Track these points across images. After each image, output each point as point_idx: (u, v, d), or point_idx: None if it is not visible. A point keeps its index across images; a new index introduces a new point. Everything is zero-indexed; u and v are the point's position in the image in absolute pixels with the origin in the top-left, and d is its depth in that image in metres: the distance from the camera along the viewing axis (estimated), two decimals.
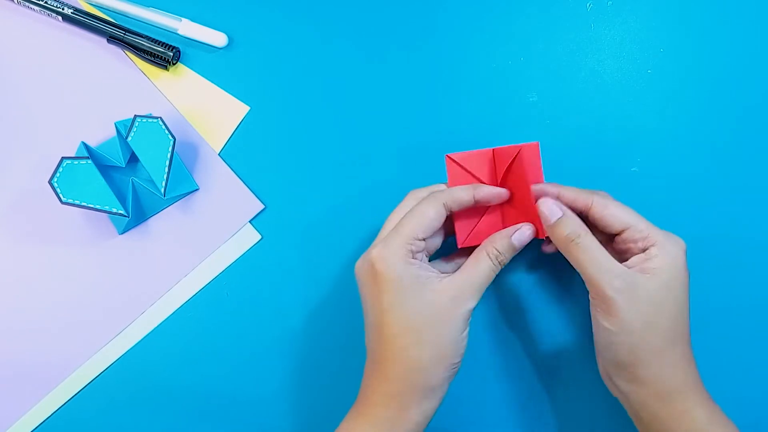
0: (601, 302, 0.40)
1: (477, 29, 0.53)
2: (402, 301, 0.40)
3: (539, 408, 0.49)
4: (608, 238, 0.43)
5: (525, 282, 0.50)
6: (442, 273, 0.42)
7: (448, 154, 0.44)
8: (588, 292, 0.41)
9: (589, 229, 0.41)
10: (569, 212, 0.42)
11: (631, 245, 0.41)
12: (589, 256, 0.40)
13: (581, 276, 0.41)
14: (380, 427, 0.41)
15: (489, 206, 0.45)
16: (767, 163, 0.51)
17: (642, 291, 0.39)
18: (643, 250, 0.41)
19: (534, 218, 0.43)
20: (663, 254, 0.40)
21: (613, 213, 0.41)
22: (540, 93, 0.52)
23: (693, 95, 0.52)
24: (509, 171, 0.44)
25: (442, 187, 0.45)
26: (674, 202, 0.51)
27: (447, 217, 0.43)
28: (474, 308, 0.41)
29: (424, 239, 0.42)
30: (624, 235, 0.41)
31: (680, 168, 0.51)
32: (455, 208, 0.43)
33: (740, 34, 0.52)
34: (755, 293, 0.50)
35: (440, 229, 0.44)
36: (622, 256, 0.42)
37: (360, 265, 0.43)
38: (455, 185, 0.44)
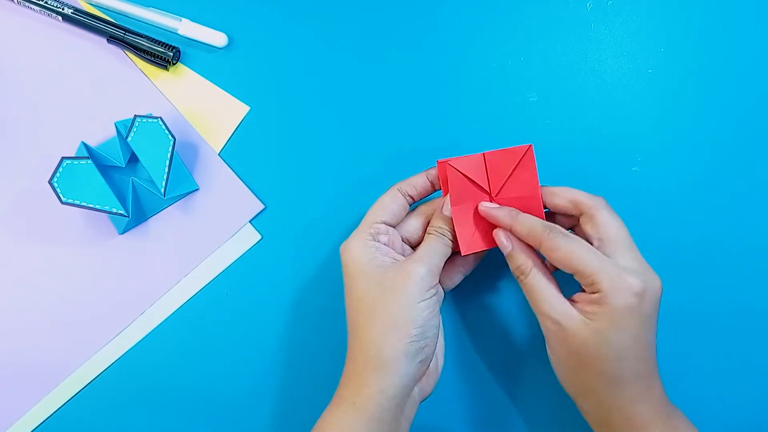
0: (542, 330, 0.42)
1: (477, 29, 0.53)
2: (360, 281, 0.43)
3: (543, 412, 0.49)
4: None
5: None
6: None
7: (440, 160, 0.45)
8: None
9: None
10: (518, 246, 0.43)
11: (582, 283, 0.41)
12: (532, 294, 0.42)
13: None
14: (345, 408, 0.41)
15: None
16: (767, 163, 0.51)
17: (571, 335, 0.40)
18: (592, 293, 0.40)
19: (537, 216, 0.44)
20: (603, 303, 0.39)
21: (561, 258, 0.40)
22: (540, 93, 0.52)
23: (693, 95, 0.52)
24: (504, 173, 0.44)
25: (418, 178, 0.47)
26: (674, 202, 0.51)
27: (411, 200, 0.46)
28: (428, 278, 0.41)
29: (384, 222, 0.44)
30: (575, 276, 0.41)
31: (680, 168, 0.51)
32: (412, 192, 0.45)
33: (740, 34, 0.52)
34: (756, 293, 0.50)
35: (410, 217, 0.46)
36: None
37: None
38: (447, 190, 0.44)
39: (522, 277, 0.42)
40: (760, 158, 0.51)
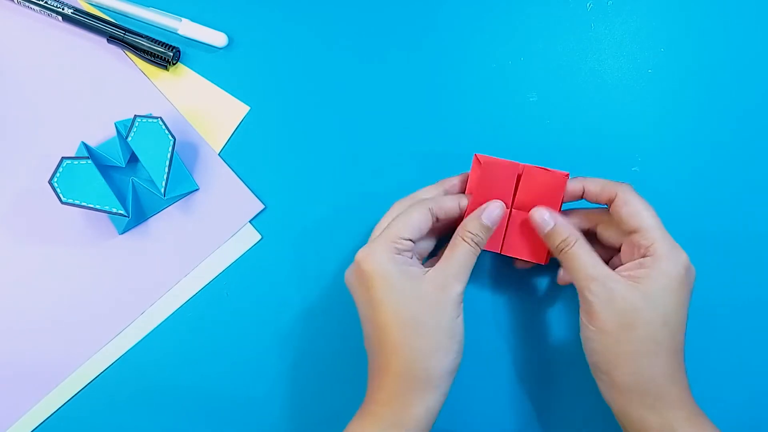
0: (583, 304, 0.41)
1: (477, 29, 0.53)
2: (391, 295, 0.41)
3: (547, 412, 0.49)
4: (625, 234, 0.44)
5: (537, 290, 0.50)
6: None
7: (477, 154, 0.45)
8: None
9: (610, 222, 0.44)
10: (561, 221, 0.43)
11: (634, 249, 0.42)
12: (575, 263, 0.42)
13: (573, 283, 0.42)
14: (384, 425, 0.40)
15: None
16: (767, 163, 0.51)
17: (619, 297, 0.40)
18: (642, 257, 0.41)
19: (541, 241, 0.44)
20: (654, 266, 0.40)
21: (629, 212, 0.42)
22: (540, 93, 0.52)
23: (693, 95, 0.52)
24: (529, 190, 0.44)
25: (425, 193, 0.46)
26: (674, 202, 0.51)
27: (436, 222, 0.44)
28: (463, 292, 0.41)
29: (410, 239, 0.42)
30: (632, 238, 0.42)
31: (680, 168, 0.51)
32: (441, 215, 0.44)
33: (740, 34, 0.52)
34: (756, 292, 0.50)
35: (430, 233, 0.45)
36: (631, 254, 0.43)
37: (348, 272, 0.44)
38: (473, 186, 0.45)
39: (567, 249, 0.42)
40: (761, 158, 0.51)
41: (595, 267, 0.41)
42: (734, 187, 0.51)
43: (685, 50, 0.52)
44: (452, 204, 0.44)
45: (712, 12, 0.53)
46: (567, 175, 0.44)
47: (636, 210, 0.42)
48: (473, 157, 0.45)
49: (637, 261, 0.41)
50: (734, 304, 0.49)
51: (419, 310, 0.41)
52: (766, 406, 0.49)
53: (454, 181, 0.46)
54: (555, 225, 0.43)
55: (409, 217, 0.43)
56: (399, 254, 0.42)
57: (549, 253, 0.45)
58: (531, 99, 0.52)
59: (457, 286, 0.41)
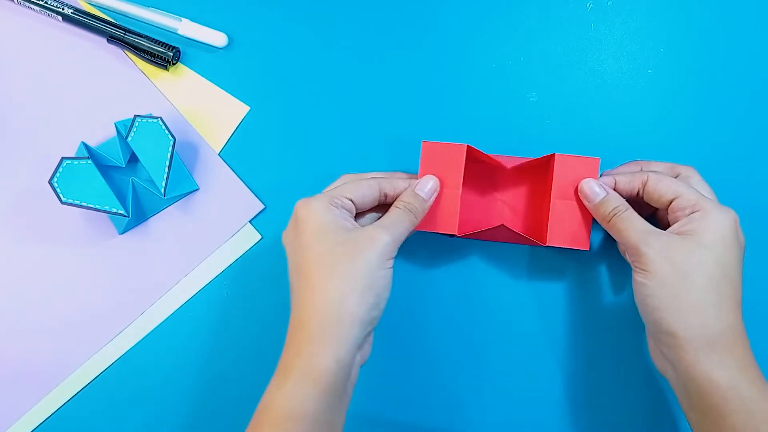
0: (638, 261, 0.41)
1: (477, 29, 0.53)
2: (319, 239, 0.42)
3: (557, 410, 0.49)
4: (661, 214, 0.45)
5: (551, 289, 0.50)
6: None
7: (425, 141, 0.46)
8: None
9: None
10: (612, 191, 0.45)
11: (680, 213, 0.42)
12: (629, 224, 0.42)
13: (624, 247, 0.43)
14: (297, 379, 0.39)
15: (488, 203, 0.47)
16: (767, 163, 0.51)
17: (676, 248, 0.40)
18: (691, 214, 0.42)
19: (541, 224, 0.46)
20: (704, 218, 0.41)
21: (667, 184, 0.43)
22: (540, 93, 0.52)
23: (693, 95, 0.52)
24: (565, 177, 0.45)
25: (375, 174, 0.47)
26: None
27: (384, 199, 0.46)
28: (392, 248, 0.42)
29: (351, 200, 0.44)
30: (674, 204, 0.43)
31: None
32: (390, 191, 0.45)
33: (740, 34, 0.52)
34: (757, 292, 0.50)
35: (377, 209, 0.46)
36: (677, 219, 0.43)
37: (285, 231, 0.44)
38: (426, 172, 0.46)
39: (617, 216, 0.43)
40: (761, 158, 0.51)
41: (647, 224, 0.42)
42: (734, 187, 0.51)
43: (685, 50, 0.52)
44: (404, 184, 0.46)
45: (712, 12, 0.53)
46: (598, 160, 0.45)
47: (671, 182, 0.43)
48: (421, 144, 0.46)
49: (686, 218, 0.42)
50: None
51: (341, 253, 0.41)
52: None
53: (403, 176, 0.48)
54: (608, 194, 0.44)
55: (357, 183, 0.45)
56: (336, 208, 0.43)
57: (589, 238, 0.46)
58: (531, 99, 0.52)
59: (385, 237, 0.42)
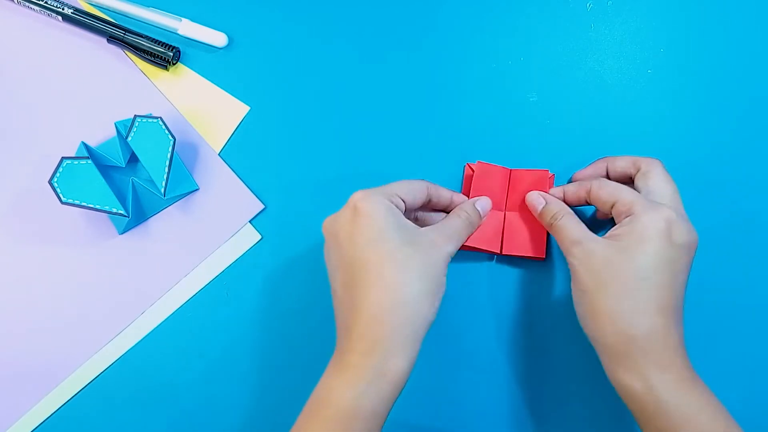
0: (570, 271, 0.43)
1: (477, 29, 0.53)
2: (388, 234, 0.40)
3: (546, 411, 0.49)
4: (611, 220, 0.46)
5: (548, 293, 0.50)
6: None
7: (468, 163, 0.50)
8: None
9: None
10: (552, 199, 0.46)
11: (619, 218, 0.43)
12: (563, 232, 0.44)
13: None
14: (368, 377, 0.38)
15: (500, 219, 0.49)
16: (767, 163, 0.51)
17: (597, 255, 0.41)
18: (627, 215, 0.42)
19: (538, 237, 0.48)
20: (632, 222, 0.41)
21: (608, 190, 0.44)
22: (540, 93, 0.52)
23: (693, 95, 0.52)
24: (518, 191, 0.48)
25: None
26: None
27: (428, 202, 0.46)
28: (451, 256, 0.42)
29: (404, 200, 0.43)
30: (614, 210, 0.43)
31: (680, 168, 0.51)
32: (434, 198, 0.46)
33: (740, 34, 0.52)
34: (756, 292, 0.50)
35: (421, 209, 0.47)
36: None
37: (332, 219, 0.43)
38: (467, 191, 0.48)
39: (555, 222, 0.44)
40: (761, 158, 0.51)
41: (578, 232, 0.43)
42: (734, 187, 0.51)
43: (685, 50, 0.52)
44: (447, 194, 0.47)
45: (712, 12, 0.53)
46: (547, 172, 0.48)
47: (610, 188, 0.44)
48: (465, 166, 0.49)
49: (619, 223, 0.42)
50: (735, 303, 0.49)
51: (413, 253, 0.40)
52: (766, 406, 0.49)
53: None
54: (547, 203, 0.46)
55: (410, 183, 0.44)
56: (395, 206, 0.42)
57: (546, 247, 0.48)
58: (531, 99, 0.52)
59: (449, 246, 0.42)
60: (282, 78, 0.53)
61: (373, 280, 0.39)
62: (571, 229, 0.43)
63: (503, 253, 0.48)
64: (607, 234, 0.42)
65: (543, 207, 0.46)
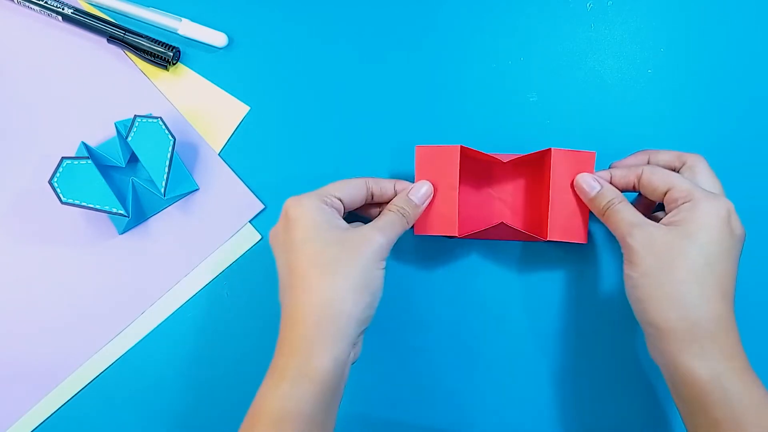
0: (625, 252, 0.42)
1: (477, 29, 0.53)
2: (314, 236, 0.41)
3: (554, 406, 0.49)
4: (659, 207, 0.46)
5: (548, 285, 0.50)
6: None
7: (418, 145, 0.47)
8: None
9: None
10: (607, 184, 0.45)
11: (673, 205, 0.42)
12: (619, 216, 0.43)
13: (618, 238, 0.43)
14: (289, 377, 0.39)
15: (485, 201, 0.49)
16: (767, 163, 0.51)
17: (659, 239, 0.41)
18: (682, 204, 0.42)
19: (540, 221, 0.46)
20: (693, 209, 0.41)
21: (660, 176, 0.43)
22: (540, 93, 0.52)
23: (693, 95, 0.52)
24: (562, 172, 0.46)
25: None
26: None
27: (371, 198, 0.46)
28: (386, 248, 0.42)
29: (340, 199, 0.44)
30: (668, 196, 0.43)
31: None
32: (376, 191, 0.46)
33: (740, 33, 0.52)
34: (756, 292, 0.50)
35: (362, 210, 0.48)
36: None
37: (272, 229, 0.44)
38: (421, 177, 0.46)
39: (612, 208, 0.44)
40: (761, 158, 0.51)
41: (636, 216, 0.43)
42: (734, 188, 0.51)
43: (685, 50, 0.52)
44: (389, 184, 0.47)
45: (712, 12, 0.53)
46: (594, 154, 0.46)
47: (665, 174, 0.43)
48: (415, 149, 0.47)
49: (676, 209, 0.42)
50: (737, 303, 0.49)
51: (337, 252, 0.41)
52: None
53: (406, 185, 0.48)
54: (602, 188, 0.45)
55: (346, 182, 0.45)
56: (327, 207, 0.43)
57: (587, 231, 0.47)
58: (531, 99, 0.52)
59: (380, 238, 0.42)
60: (282, 78, 0.53)
61: (298, 283, 0.41)
62: (628, 214, 0.43)
63: (548, 238, 0.46)
64: (664, 220, 0.42)
65: (597, 192, 0.45)
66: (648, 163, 0.46)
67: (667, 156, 0.46)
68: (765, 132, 0.51)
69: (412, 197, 0.46)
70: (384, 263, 0.42)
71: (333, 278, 0.40)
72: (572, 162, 0.46)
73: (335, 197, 0.44)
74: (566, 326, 0.50)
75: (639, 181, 0.45)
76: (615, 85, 0.52)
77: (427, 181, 0.46)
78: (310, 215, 0.42)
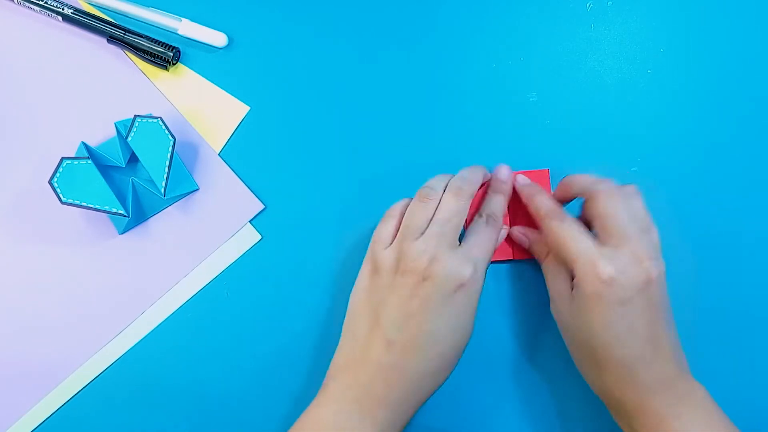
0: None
1: (477, 29, 0.53)
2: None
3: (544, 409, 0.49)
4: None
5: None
6: None
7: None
8: None
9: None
10: (534, 239, 0.47)
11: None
12: (546, 275, 0.46)
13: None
14: (346, 418, 0.41)
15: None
16: (767, 163, 0.51)
17: (560, 313, 0.44)
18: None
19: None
20: (577, 287, 0.42)
21: (552, 244, 0.44)
22: (540, 93, 0.52)
23: (693, 95, 0.52)
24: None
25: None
26: (674, 202, 0.51)
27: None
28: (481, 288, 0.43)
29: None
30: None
31: (680, 168, 0.51)
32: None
33: (740, 33, 0.52)
34: (756, 293, 0.50)
35: None
36: None
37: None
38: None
39: (541, 262, 0.46)
40: (761, 158, 0.51)
41: (554, 280, 0.44)
42: (734, 187, 0.51)
43: (685, 50, 0.52)
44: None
45: (712, 12, 0.53)
46: (547, 171, 0.49)
47: (557, 239, 0.43)
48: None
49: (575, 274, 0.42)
50: (734, 303, 0.49)
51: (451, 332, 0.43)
52: (766, 406, 0.49)
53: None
54: (530, 243, 0.48)
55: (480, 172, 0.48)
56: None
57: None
58: (531, 99, 0.52)
59: (477, 284, 0.44)
60: (282, 78, 0.53)
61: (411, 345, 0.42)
62: (551, 276, 0.45)
63: (514, 257, 0.49)
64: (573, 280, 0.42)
65: (527, 246, 0.48)
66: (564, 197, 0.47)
67: (574, 189, 0.46)
68: (765, 132, 0.51)
69: (503, 176, 0.48)
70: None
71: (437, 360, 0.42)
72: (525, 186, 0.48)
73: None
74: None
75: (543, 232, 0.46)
76: (615, 85, 0.52)
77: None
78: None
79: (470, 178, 0.46)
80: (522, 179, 0.48)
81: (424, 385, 0.42)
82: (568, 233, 0.42)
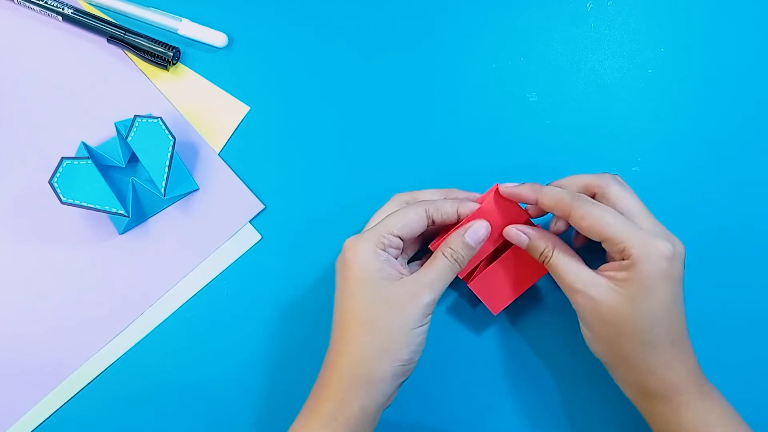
0: (577, 311, 0.43)
1: (477, 29, 0.53)
2: (361, 290, 0.42)
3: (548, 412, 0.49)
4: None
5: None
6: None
7: (499, 184, 0.45)
8: None
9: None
10: (534, 234, 0.44)
11: (612, 250, 0.41)
12: (558, 273, 0.42)
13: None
14: (325, 423, 0.41)
15: (495, 252, 0.47)
16: (767, 163, 0.51)
17: (604, 307, 0.40)
18: (621, 259, 0.40)
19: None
20: (633, 270, 0.39)
21: (590, 225, 0.41)
22: (540, 93, 0.52)
23: (693, 95, 0.52)
24: (496, 223, 0.45)
25: (427, 195, 0.46)
26: (674, 202, 0.51)
27: (431, 224, 0.44)
28: (433, 303, 0.42)
29: (399, 237, 0.43)
30: (605, 244, 0.41)
31: (680, 168, 0.51)
32: (437, 218, 0.44)
33: (740, 33, 0.52)
34: (755, 293, 0.50)
35: (419, 236, 0.46)
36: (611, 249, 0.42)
37: (338, 258, 0.44)
38: (482, 208, 0.45)
39: (546, 261, 0.43)
40: (761, 158, 0.51)
41: (577, 276, 0.41)
42: (734, 187, 0.51)
43: (685, 50, 0.52)
44: (451, 209, 0.44)
45: (712, 12, 0.53)
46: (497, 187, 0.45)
47: (596, 221, 0.40)
48: (494, 186, 0.45)
49: (617, 262, 0.41)
50: (733, 303, 0.49)
51: (380, 310, 0.41)
52: (766, 406, 0.49)
53: (460, 195, 0.47)
54: (529, 240, 0.44)
55: (405, 215, 0.43)
56: (384, 250, 0.42)
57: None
58: (531, 99, 0.52)
59: (427, 296, 0.41)
60: (282, 78, 0.53)
61: (341, 334, 0.42)
62: (567, 272, 0.42)
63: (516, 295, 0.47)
64: (606, 270, 0.41)
65: (526, 244, 0.44)
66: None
67: (574, 189, 0.43)
68: (765, 132, 0.51)
69: (468, 239, 0.43)
70: (429, 317, 0.42)
71: (372, 337, 0.41)
72: (502, 204, 0.45)
73: (393, 234, 0.42)
74: (568, 332, 0.50)
75: (570, 221, 0.42)
76: (615, 85, 0.52)
77: (486, 223, 0.44)
78: (364, 264, 0.42)
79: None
80: (506, 186, 0.44)
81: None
82: (607, 214, 0.40)
